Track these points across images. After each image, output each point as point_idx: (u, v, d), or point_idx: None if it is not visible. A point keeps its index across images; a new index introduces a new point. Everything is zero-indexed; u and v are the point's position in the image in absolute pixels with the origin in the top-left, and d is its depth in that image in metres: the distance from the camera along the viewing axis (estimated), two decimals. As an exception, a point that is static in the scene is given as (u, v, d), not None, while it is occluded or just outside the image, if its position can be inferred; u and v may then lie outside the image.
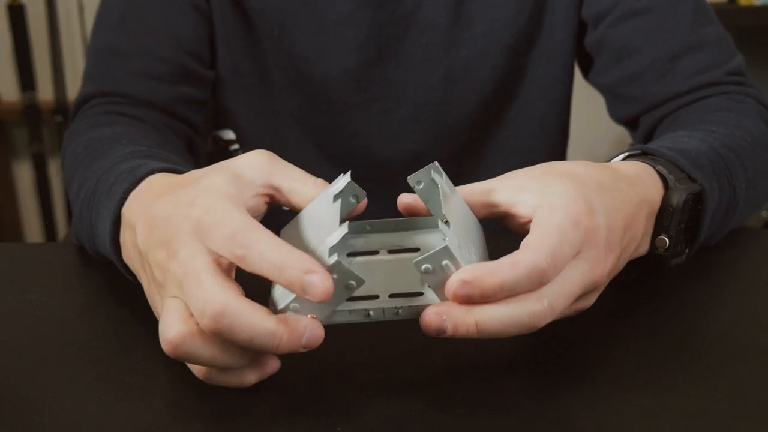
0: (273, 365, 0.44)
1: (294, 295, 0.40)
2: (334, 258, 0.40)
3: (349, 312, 0.43)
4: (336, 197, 0.46)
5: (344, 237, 0.43)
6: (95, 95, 0.78)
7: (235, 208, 0.43)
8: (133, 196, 0.52)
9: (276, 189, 0.48)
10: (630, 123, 0.84)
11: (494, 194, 0.50)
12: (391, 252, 0.48)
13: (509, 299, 0.41)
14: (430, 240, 0.48)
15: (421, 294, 0.44)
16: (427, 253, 0.40)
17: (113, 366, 0.48)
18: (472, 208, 0.50)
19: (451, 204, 0.46)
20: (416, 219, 0.49)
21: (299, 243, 0.45)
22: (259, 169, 0.48)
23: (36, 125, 2.14)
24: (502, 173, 0.89)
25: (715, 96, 0.76)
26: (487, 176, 0.89)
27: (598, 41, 0.82)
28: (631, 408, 0.42)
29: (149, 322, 0.48)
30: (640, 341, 0.49)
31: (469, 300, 0.41)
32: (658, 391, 0.44)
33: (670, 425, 0.41)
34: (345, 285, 0.40)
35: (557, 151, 0.92)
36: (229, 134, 0.89)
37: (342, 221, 0.45)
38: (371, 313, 0.43)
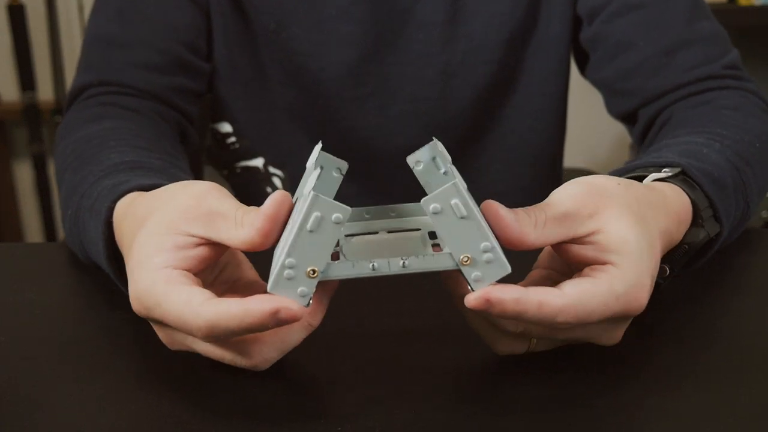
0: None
1: (287, 248, 0.39)
2: (312, 194, 0.38)
3: (352, 265, 0.41)
4: (315, 166, 0.44)
5: (321, 177, 0.42)
6: (91, 84, 0.78)
7: (170, 297, 0.42)
8: (117, 215, 0.52)
9: (215, 243, 0.44)
10: (628, 118, 0.84)
11: (572, 221, 0.44)
12: (390, 232, 0.46)
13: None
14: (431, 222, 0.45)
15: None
16: (436, 191, 0.39)
17: (113, 365, 0.48)
18: (545, 237, 0.44)
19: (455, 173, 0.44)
20: (415, 205, 0.47)
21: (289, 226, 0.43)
22: (191, 218, 0.44)
23: (36, 125, 2.14)
24: (500, 168, 0.90)
25: (715, 90, 0.76)
26: (485, 171, 0.91)
27: (594, 37, 0.82)
28: (632, 407, 0.43)
29: (148, 322, 0.48)
30: (639, 341, 0.49)
31: (482, 312, 0.41)
32: (659, 390, 0.44)
33: (670, 424, 0.41)
34: (332, 220, 0.39)
35: (555, 146, 0.93)
36: (226, 127, 0.89)
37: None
38: (375, 265, 0.41)
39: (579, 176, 0.48)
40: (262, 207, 0.42)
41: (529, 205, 0.45)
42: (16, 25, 2.07)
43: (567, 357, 0.47)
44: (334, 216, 0.39)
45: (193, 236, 0.43)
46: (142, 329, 0.51)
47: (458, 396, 0.44)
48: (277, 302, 0.39)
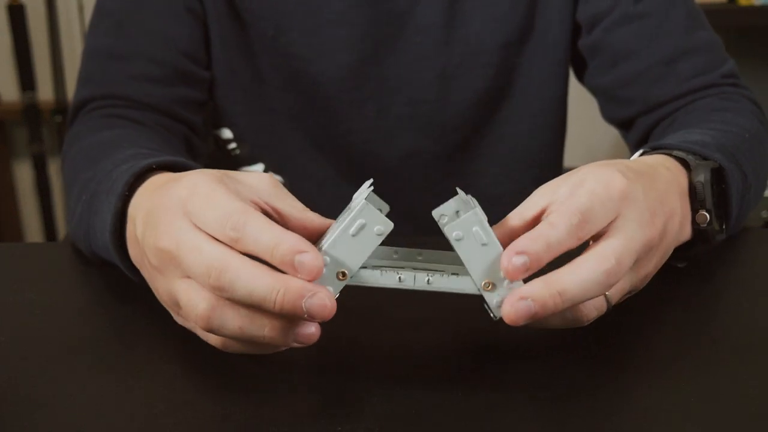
0: (307, 331, 0.42)
1: (327, 243, 0.41)
2: (363, 202, 0.41)
3: (380, 273, 0.43)
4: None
5: (371, 195, 0.45)
6: (94, 98, 0.78)
7: (223, 189, 0.44)
8: (139, 191, 0.53)
9: (274, 210, 0.47)
10: (624, 124, 0.85)
11: (534, 205, 0.48)
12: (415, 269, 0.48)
13: (581, 263, 0.43)
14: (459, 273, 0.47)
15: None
16: (458, 219, 0.42)
17: (113, 366, 0.48)
18: (522, 229, 0.47)
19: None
20: (443, 253, 0.49)
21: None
22: (263, 185, 0.47)
23: (36, 125, 2.14)
24: (498, 171, 0.91)
25: (710, 97, 0.78)
26: (483, 174, 0.91)
27: (594, 44, 0.83)
28: (631, 406, 0.43)
29: (149, 321, 0.48)
30: (640, 340, 0.49)
31: (525, 269, 0.42)
32: (658, 390, 0.44)
33: (670, 423, 0.41)
34: (374, 231, 0.41)
35: (554, 149, 0.93)
36: (227, 133, 0.89)
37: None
38: (402, 277, 0.43)
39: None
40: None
41: None
42: (16, 25, 2.08)
43: (568, 359, 0.47)
44: (376, 228, 0.41)
45: (258, 197, 0.46)
46: (142, 329, 0.51)
47: (459, 395, 0.44)
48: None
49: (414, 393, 0.44)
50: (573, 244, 0.43)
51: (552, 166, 0.93)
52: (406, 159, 0.88)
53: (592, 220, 0.44)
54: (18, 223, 2.28)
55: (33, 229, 2.31)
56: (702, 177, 0.55)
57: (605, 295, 0.46)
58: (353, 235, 0.41)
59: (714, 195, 0.57)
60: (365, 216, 0.41)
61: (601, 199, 0.45)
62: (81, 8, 2.09)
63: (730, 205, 0.58)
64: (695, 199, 0.55)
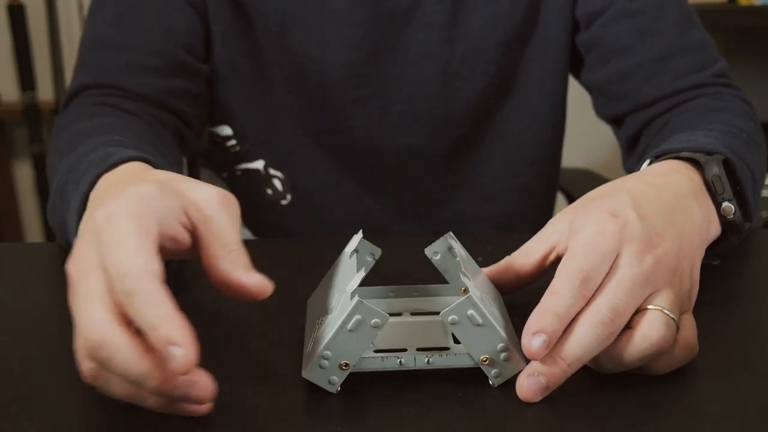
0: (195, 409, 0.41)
1: (326, 341, 0.43)
2: (356, 299, 0.42)
3: (381, 359, 0.45)
4: (352, 254, 0.49)
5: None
6: (88, 86, 0.78)
7: (135, 232, 0.41)
8: (99, 183, 0.53)
9: (197, 234, 0.44)
10: (615, 121, 0.86)
11: (537, 251, 0.52)
12: (413, 314, 0.50)
13: (576, 324, 0.43)
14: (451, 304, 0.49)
15: (447, 349, 0.46)
16: (453, 305, 0.43)
17: (113, 366, 0.48)
18: (528, 272, 0.52)
19: (469, 266, 0.48)
20: (437, 286, 0.52)
21: (324, 303, 0.48)
22: (204, 203, 0.45)
23: (36, 125, 2.14)
24: (499, 168, 0.91)
25: (703, 97, 0.78)
26: (484, 170, 0.91)
27: (590, 40, 0.84)
28: (633, 407, 0.43)
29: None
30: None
31: (547, 346, 0.42)
32: (659, 390, 0.44)
33: (672, 423, 0.41)
34: (371, 324, 0.42)
35: (554, 145, 0.93)
36: (226, 130, 0.89)
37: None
38: (403, 360, 0.45)
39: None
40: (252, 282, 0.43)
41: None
42: (16, 25, 2.07)
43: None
44: (373, 321, 0.42)
45: (186, 218, 0.44)
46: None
47: (460, 396, 0.44)
48: (183, 347, 0.38)
49: (414, 393, 0.44)
50: (581, 304, 0.44)
51: (552, 162, 0.94)
52: (408, 156, 0.88)
53: (593, 275, 0.44)
54: (18, 223, 2.28)
55: (33, 229, 2.31)
56: (716, 170, 0.56)
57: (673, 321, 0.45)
58: (351, 331, 0.42)
59: (733, 185, 0.57)
60: (361, 312, 0.42)
61: (598, 250, 0.45)
62: (81, 8, 2.08)
63: (746, 191, 0.59)
64: (715, 194, 0.56)
